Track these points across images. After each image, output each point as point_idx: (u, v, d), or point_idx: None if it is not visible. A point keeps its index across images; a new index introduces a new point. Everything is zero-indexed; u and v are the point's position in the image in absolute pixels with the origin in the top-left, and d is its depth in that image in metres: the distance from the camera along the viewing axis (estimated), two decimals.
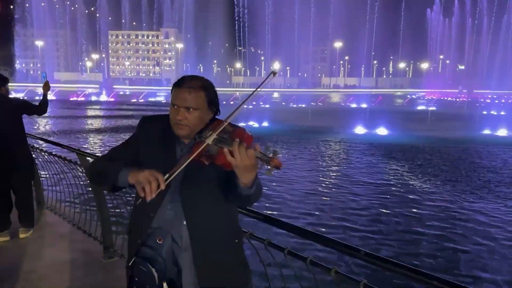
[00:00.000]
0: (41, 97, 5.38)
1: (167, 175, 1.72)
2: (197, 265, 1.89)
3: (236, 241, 2.03)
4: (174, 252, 1.90)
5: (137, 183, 1.72)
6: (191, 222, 1.89)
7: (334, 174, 13.80)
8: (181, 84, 1.90)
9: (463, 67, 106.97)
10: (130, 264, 1.95)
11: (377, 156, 17.32)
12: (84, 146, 19.16)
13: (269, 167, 1.55)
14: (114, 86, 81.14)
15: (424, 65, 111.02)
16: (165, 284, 1.84)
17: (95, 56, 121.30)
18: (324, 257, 5.00)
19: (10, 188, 5.17)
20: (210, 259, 1.91)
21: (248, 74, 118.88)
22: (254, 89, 1.79)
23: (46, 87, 5.42)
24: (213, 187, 1.87)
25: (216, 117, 1.98)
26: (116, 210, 5.15)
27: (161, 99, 66.52)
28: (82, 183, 5.70)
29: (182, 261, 1.90)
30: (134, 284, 1.92)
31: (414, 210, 9.50)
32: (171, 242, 1.90)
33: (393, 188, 11.63)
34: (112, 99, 63.56)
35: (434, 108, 46.82)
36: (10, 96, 5.21)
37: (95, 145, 19.87)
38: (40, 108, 5.28)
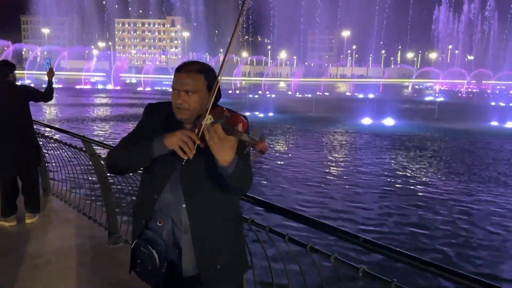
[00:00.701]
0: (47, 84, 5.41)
1: (196, 130, 1.77)
2: (195, 248, 1.91)
3: (236, 226, 2.05)
4: (175, 234, 1.94)
5: (175, 147, 1.76)
6: (190, 205, 1.91)
7: (339, 165, 13.79)
8: (180, 68, 1.94)
9: (472, 58, 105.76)
10: (132, 246, 1.99)
11: (383, 146, 17.28)
12: (89, 133, 19.26)
13: (254, 151, 1.57)
14: (121, 74, 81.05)
15: (433, 55, 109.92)
16: (165, 264, 1.88)
17: (101, 44, 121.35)
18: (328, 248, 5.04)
19: (17, 174, 5.23)
20: (209, 242, 1.93)
21: (255, 64, 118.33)
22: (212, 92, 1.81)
23: (51, 74, 5.45)
24: (210, 169, 1.87)
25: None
26: (121, 196, 5.20)
27: (169, 89, 66.27)
28: (87, 169, 5.73)
29: (182, 243, 1.93)
30: (137, 266, 1.96)
31: (420, 203, 9.48)
32: (171, 225, 1.94)
33: (399, 180, 11.60)
34: (118, 88, 63.65)
35: (442, 99, 46.45)
36: (17, 83, 5.23)
37: (101, 133, 19.97)
38: (46, 94, 5.29)
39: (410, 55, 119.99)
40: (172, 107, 1.95)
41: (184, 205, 1.92)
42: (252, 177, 1.89)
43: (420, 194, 10.18)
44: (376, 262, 5.28)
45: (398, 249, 1.76)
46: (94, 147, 4.93)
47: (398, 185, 10.99)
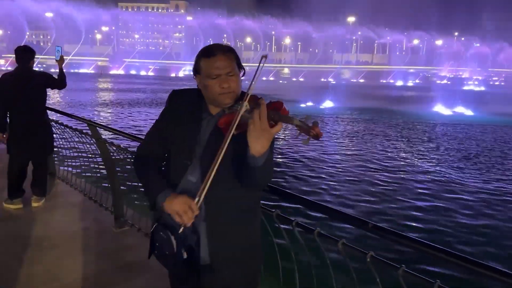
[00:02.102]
0: (57, 71, 5.45)
1: (196, 199, 1.78)
2: (210, 236, 1.91)
3: (254, 217, 2.03)
4: (194, 222, 1.91)
5: (173, 215, 1.80)
6: (209, 195, 1.86)
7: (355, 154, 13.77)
8: (212, 51, 1.85)
9: (478, 45, 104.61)
10: (151, 230, 2.01)
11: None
12: (93, 118, 19.28)
13: (307, 136, 1.52)
14: (124, 59, 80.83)
15: (438, 42, 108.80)
16: (183, 251, 1.89)
17: (105, 29, 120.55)
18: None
19: (32, 158, 5.30)
20: (224, 232, 1.92)
21: (259, 49, 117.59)
22: (251, 81, 1.72)
23: (61, 61, 5.49)
24: (236, 159, 1.82)
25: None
26: (127, 181, 5.21)
27: (172, 74, 66.31)
28: (93, 153, 5.74)
29: (200, 231, 1.93)
30: (156, 249, 1.98)
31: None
32: None
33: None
34: (122, 72, 63.51)
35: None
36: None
37: (106, 117, 19.98)
38: (60, 82, 5.35)
39: (416, 41, 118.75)
40: (211, 95, 1.87)
41: (203, 194, 1.88)
42: (273, 175, 1.85)
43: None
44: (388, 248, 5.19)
45: (406, 234, 1.76)
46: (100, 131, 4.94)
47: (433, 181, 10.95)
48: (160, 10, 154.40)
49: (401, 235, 1.76)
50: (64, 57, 5.72)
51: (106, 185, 5.33)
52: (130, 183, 4.78)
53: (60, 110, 6.49)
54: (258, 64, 1.69)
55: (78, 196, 5.58)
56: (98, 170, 5.87)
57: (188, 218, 1.76)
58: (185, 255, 1.89)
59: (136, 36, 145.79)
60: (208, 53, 1.86)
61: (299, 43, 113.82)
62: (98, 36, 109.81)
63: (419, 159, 12.75)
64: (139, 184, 4.32)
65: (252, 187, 1.89)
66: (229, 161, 1.84)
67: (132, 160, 4.27)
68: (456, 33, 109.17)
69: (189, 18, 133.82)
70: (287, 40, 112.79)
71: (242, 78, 1.91)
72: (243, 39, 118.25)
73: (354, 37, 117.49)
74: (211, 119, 1.93)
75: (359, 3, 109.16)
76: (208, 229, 1.91)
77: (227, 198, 1.91)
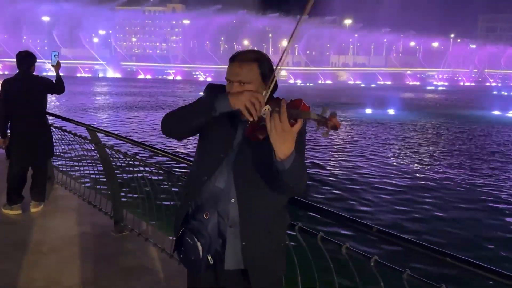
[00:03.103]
0: (55, 76, 5.43)
1: (263, 92, 1.73)
2: (242, 243, 1.89)
3: (282, 224, 2.01)
4: (220, 227, 1.92)
5: (241, 107, 1.70)
6: (240, 200, 1.87)
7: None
8: (234, 58, 1.88)
9: (474, 46, 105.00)
10: (178, 234, 2.00)
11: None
12: (90, 122, 19.24)
13: (326, 128, 1.49)
14: (121, 63, 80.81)
15: (435, 44, 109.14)
16: (209, 257, 1.88)
17: (102, 32, 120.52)
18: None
19: (32, 163, 5.29)
20: (255, 238, 1.90)
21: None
22: (266, 89, 1.73)
23: (58, 66, 5.49)
24: (266, 163, 1.76)
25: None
26: (126, 185, 5.19)
27: (170, 77, 66.38)
28: (91, 158, 5.72)
29: (227, 236, 1.91)
30: (181, 252, 1.97)
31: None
32: (217, 218, 1.92)
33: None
34: (119, 76, 63.52)
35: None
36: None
37: (104, 122, 19.94)
38: (59, 87, 5.35)
39: (412, 43, 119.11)
40: None
41: (233, 200, 1.88)
42: (307, 178, 1.80)
43: None
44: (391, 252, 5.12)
45: (411, 239, 1.75)
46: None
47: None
48: (157, 14, 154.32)
49: (405, 239, 1.75)
50: (64, 61, 5.71)
51: (106, 189, 5.30)
52: (129, 188, 4.75)
53: (59, 114, 6.47)
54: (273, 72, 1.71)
55: (77, 201, 5.55)
56: (97, 175, 5.84)
57: (257, 110, 1.67)
58: (211, 261, 1.89)
59: (134, 39, 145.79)
60: (232, 58, 1.89)
61: (296, 45, 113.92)
62: (96, 40, 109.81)
63: None
64: (139, 188, 4.35)
65: (285, 192, 1.86)
66: (259, 165, 1.82)
67: (132, 162, 4.30)
68: (452, 35, 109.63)
69: (186, 21, 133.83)
70: (284, 43, 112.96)
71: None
72: (240, 42, 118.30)
73: (350, 39, 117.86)
74: (243, 123, 1.90)
75: (355, 5, 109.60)
76: (241, 235, 1.88)
77: (259, 205, 1.89)
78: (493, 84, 67.71)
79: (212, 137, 1.95)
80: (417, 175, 10.91)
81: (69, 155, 6.24)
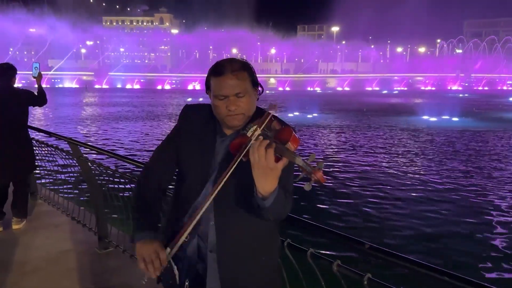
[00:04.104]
0: (35, 87, 5.33)
1: (168, 249, 1.70)
2: (220, 269, 1.76)
3: (268, 248, 1.87)
4: (200, 251, 1.80)
5: (139, 259, 1.70)
6: (220, 223, 1.74)
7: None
8: (222, 70, 1.69)
9: (460, 51, 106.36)
10: None
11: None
12: (76, 133, 18.99)
13: (311, 180, 1.36)
14: (110, 73, 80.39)
15: (421, 49, 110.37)
16: (187, 282, 1.79)
17: (89, 43, 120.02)
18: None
19: (14, 178, 5.12)
20: (236, 264, 1.77)
21: (245, 59, 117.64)
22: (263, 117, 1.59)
23: (39, 78, 5.38)
24: (248, 187, 1.64)
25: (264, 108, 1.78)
26: (111, 200, 5.04)
27: (159, 86, 66.23)
28: (75, 172, 5.58)
29: (207, 261, 1.78)
30: (161, 275, 1.86)
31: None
32: (198, 241, 1.80)
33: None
34: (107, 86, 63.22)
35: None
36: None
37: (90, 134, 19.70)
38: (41, 99, 5.22)
39: (399, 49, 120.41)
40: (219, 115, 1.74)
41: (212, 223, 1.75)
42: (291, 205, 1.67)
43: None
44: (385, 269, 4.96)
45: (404, 255, 1.65)
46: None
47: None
48: (145, 24, 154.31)
49: (398, 256, 1.65)
50: (50, 72, 5.58)
51: (90, 204, 5.15)
52: (114, 202, 4.61)
53: (40, 128, 6.31)
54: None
55: (60, 217, 5.39)
56: (81, 189, 5.69)
57: (154, 268, 1.66)
58: (187, 287, 1.80)
59: (122, 49, 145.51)
60: (216, 72, 1.71)
61: (284, 53, 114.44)
62: (83, 51, 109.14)
63: None
64: (123, 202, 4.22)
65: (266, 220, 1.72)
66: (240, 187, 1.69)
67: (116, 178, 4.16)
68: (438, 40, 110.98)
69: (174, 30, 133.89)
70: (273, 51, 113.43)
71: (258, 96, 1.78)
72: (229, 50, 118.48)
73: (338, 46, 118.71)
74: (225, 141, 1.79)
75: (342, 13, 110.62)
76: (218, 261, 1.75)
77: (240, 228, 1.76)
78: (480, 88, 68.75)
79: (189, 162, 1.82)
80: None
81: (53, 169, 6.06)
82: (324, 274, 2.07)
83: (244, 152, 1.55)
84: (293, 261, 2.20)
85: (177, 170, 1.92)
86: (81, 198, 5.48)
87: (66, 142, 4.83)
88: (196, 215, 1.64)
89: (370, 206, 8.70)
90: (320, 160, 1.36)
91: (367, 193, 9.63)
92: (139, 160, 4.05)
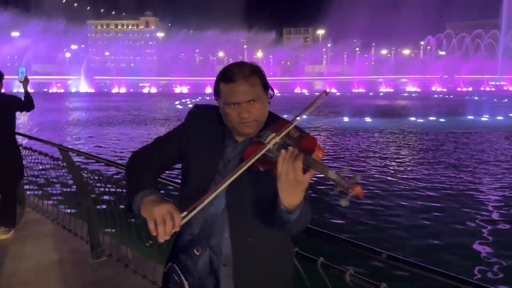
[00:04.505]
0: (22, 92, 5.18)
1: (184, 213, 1.47)
2: (236, 283, 1.66)
3: (285, 259, 1.79)
4: (212, 264, 1.69)
5: (149, 219, 1.47)
6: (235, 235, 1.65)
7: None
8: (233, 77, 1.61)
9: (443, 53, 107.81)
10: (165, 269, 1.79)
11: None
12: (62, 139, 18.68)
13: (347, 195, 1.27)
14: (95, 77, 79.49)
15: (406, 51, 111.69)
16: None
17: (74, 47, 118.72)
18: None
19: (1, 188, 4.95)
20: (252, 278, 1.67)
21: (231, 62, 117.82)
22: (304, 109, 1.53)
23: (26, 83, 5.24)
24: (265, 197, 1.57)
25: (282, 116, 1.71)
26: (103, 209, 4.90)
27: (145, 90, 65.73)
28: (64, 178, 5.41)
29: (220, 275, 1.68)
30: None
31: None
32: (210, 254, 1.69)
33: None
34: (93, 90, 62.59)
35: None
36: None
37: (77, 139, 19.39)
38: (28, 104, 5.07)
39: (384, 51, 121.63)
40: (231, 123, 1.66)
41: (226, 234, 1.66)
42: (311, 215, 1.59)
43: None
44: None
45: (426, 265, 1.58)
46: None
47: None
48: (130, 27, 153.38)
49: (421, 266, 1.58)
50: (35, 77, 5.42)
51: (81, 212, 5.00)
52: (106, 209, 4.48)
53: (29, 134, 6.13)
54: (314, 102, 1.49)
55: (50, 225, 5.22)
56: (71, 196, 5.53)
57: (165, 231, 1.43)
58: None
59: (107, 53, 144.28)
60: (226, 78, 1.63)
61: (270, 56, 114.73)
62: (68, 55, 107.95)
63: None
64: (116, 209, 4.09)
65: (284, 232, 1.64)
66: (256, 196, 1.61)
67: (109, 185, 4.04)
68: (421, 42, 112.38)
69: (160, 34, 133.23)
70: (259, 54, 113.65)
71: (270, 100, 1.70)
72: (215, 53, 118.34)
73: (324, 49, 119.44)
74: (237, 147, 1.70)
75: (328, 16, 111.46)
76: (235, 275, 1.65)
77: (256, 241, 1.67)
78: (464, 89, 69.79)
79: (195, 167, 1.73)
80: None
81: (42, 176, 5.89)
82: (335, 285, 1.99)
83: (258, 157, 1.46)
84: (301, 271, 2.11)
85: (183, 172, 1.83)
86: (72, 206, 5.32)
87: (57, 148, 4.69)
88: (215, 189, 1.48)
89: (361, 210, 8.65)
90: (356, 175, 1.24)
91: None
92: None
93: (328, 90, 1.55)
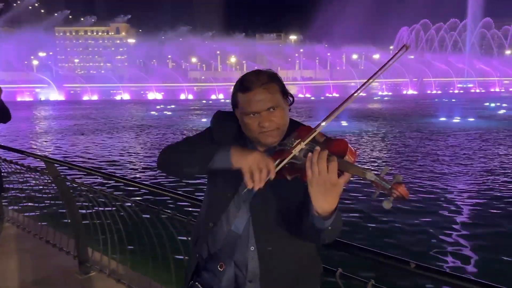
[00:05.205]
0: None
1: (277, 161, 1.41)
2: None
3: (312, 276, 1.72)
4: (237, 281, 1.61)
5: (245, 168, 1.41)
6: (262, 249, 1.57)
7: None
8: (250, 85, 1.56)
9: (412, 57, 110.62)
10: (187, 287, 1.72)
11: None
12: (39, 150, 18.11)
13: (389, 197, 1.20)
14: (65, 85, 77.68)
15: (376, 56, 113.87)
16: None
17: (42, 54, 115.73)
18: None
19: None
20: None
21: (205, 69, 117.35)
22: (382, 67, 1.43)
23: None
24: (292, 207, 1.52)
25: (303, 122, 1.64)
26: (90, 222, 4.72)
27: (118, 97, 64.78)
28: (45, 190, 5.18)
29: None
30: None
31: None
32: (234, 270, 1.61)
33: None
34: (63, 98, 61.11)
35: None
36: None
37: (49, 149, 18.82)
38: (4, 115, 4.82)
39: (354, 56, 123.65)
40: (251, 133, 1.59)
41: (252, 248, 1.58)
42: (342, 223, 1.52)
43: None
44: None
45: (456, 274, 1.55)
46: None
47: None
48: (100, 33, 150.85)
49: (452, 275, 1.55)
50: (2, 86, 5.13)
51: (65, 226, 4.81)
52: (95, 223, 4.31)
53: (7, 146, 5.86)
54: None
55: (33, 241, 4.99)
56: (54, 210, 5.32)
57: (261, 179, 1.38)
58: None
59: (76, 60, 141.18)
60: (243, 87, 1.57)
61: (244, 61, 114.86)
62: (35, 62, 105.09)
63: None
64: (106, 222, 3.93)
65: (315, 243, 1.59)
66: (283, 207, 1.54)
67: (95, 197, 3.88)
68: (391, 47, 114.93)
69: (131, 40, 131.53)
70: (233, 59, 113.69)
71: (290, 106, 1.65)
72: (188, 59, 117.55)
73: (296, 54, 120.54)
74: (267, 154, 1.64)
75: (300, 22, 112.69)
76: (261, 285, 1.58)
77: (284, 255, 1.60)
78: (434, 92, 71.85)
79: (220, 172, 1.65)
80: None
81: (20, 188, 5.64)
82: None
83: (285, 166, 1.41)
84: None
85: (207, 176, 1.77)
86: (55, 220, 5.10)
87: (31, 158, 4.49)
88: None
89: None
90: (397, 174, 1.17)
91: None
92: (120, 176, 3.80)
93: (408, 45, 1.47)
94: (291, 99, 1.66)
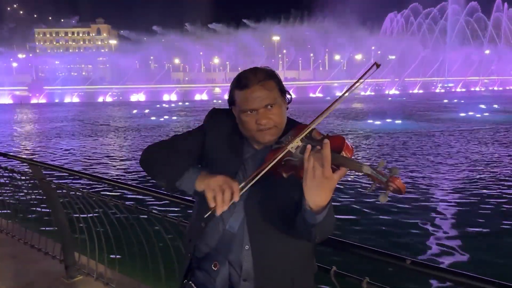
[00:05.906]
0: None
1: (242, 184, 1.42)
2: None
3: (307, 275, 1.71)
4: (232, 280, 1.60)
5: (207, 190, 1.41)
6: (256, 247, 1.56)
7: None
8: (248, 82, 1.55)
9: (393, 57, 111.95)
10: (180, 287, 1.70)
11: None
12: (20, 153, 17.78)
13: (386, 190, 1.19)
14: (45, 87, 76.40)
15: (358, 56, 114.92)
16: None
17: (21, 56, 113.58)
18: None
19: None
20: None
21: (188, 70, 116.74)
22: (354, 83, 1.45)
23: None
24: (287, 207, 1.52)
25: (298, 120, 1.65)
26: (76, 225, 4.64)
27: (100, 99, 64.08)
28: (27, 192, 5.07)
29: None
30: None
31: None
32: (229, 269, 1.60)
33: None
34: (44, 101, 60.15)
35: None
36: None
37: (29, 151, 18.49)
38: None
39: (337, 57, 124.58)
40: (248, 132, 1.59)
41: (247, 247, 1.57)
42: (335, 220, 1.52)
43: None
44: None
45: (452, 269, 1.57)
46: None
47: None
48: (81, 35, 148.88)
49: (447, 270, 1.57)
50: None
51: (50, 229, 4.72)
52: (81, 226, 4.24)
53: None
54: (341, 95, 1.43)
55: (18, 246, 4.87)
56: (39, 213, 5.21)
57: (224, 201, 1.38)
58: None
59: (57, 62, 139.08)
60: (241, 84, 1.56)
61: (227, 62, 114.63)
62: (14, 64, 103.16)
63: None
64: (93, 224, 3.86)
65: (307, 241, 1.57)
66: (278, 205, 1.54)
67: (82, 200, 3.81)
68: (373, 47, 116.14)
69: (113, 41, 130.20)
70: (216, 60, 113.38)
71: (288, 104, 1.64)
72: (170, 61, 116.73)
73: (280, 55, 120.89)
74: (256, 155, 1.63)
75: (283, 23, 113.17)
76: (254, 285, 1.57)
77: (278, 253, 1.59)
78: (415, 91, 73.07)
79: (216, 170, 1.62)
80: None
81: (4, 193, 5.52)
82: None
83: (281, 163, 1.42)
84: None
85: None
86: (40, 223, 5.00)
87: (12, 160, 4.40)
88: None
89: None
90: (394, 167, 1.16)
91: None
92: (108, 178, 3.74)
93: (379, 64, 1.47)
94: (289, 97, 1.66)
